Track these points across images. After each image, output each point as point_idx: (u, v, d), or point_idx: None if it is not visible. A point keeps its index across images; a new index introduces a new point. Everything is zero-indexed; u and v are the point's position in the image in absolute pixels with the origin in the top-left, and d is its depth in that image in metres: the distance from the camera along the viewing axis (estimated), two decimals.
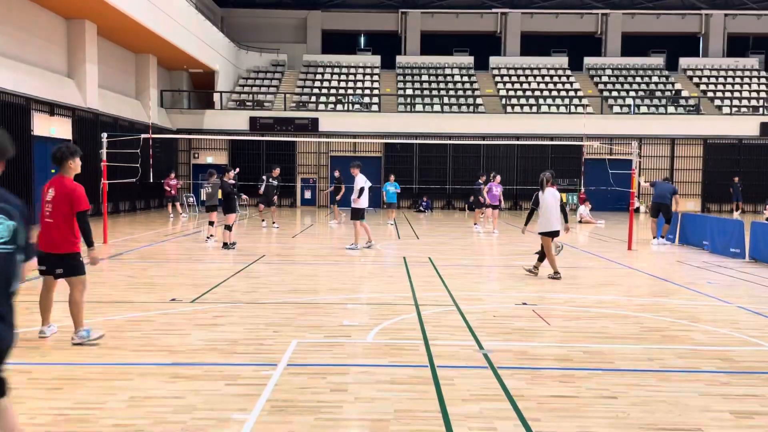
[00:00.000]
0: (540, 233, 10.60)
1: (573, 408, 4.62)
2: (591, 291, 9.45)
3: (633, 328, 7.07)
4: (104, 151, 15.00)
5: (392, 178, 21.99)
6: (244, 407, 4.51)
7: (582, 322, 7.32)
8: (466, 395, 4.83)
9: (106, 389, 4.85)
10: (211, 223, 15.10)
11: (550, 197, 10.55)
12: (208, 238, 14.88)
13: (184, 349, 5.94)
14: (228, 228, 13.89)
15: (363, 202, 14.08)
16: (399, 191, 22.14)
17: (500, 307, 8.14)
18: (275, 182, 19.20)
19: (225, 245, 13.71)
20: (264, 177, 19.21)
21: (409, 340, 6.38)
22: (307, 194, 31.89)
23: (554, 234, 10.52)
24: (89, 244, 6.24)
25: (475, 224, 19.62)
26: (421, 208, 29.69)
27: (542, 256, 10.71)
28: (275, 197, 19.49)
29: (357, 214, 14.08)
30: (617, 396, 4.87)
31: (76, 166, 6.25)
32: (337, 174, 22.16)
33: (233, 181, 14.85)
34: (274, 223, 19.36)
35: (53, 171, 21.07)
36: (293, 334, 6.55)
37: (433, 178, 31.05)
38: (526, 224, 11.20)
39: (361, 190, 14.06)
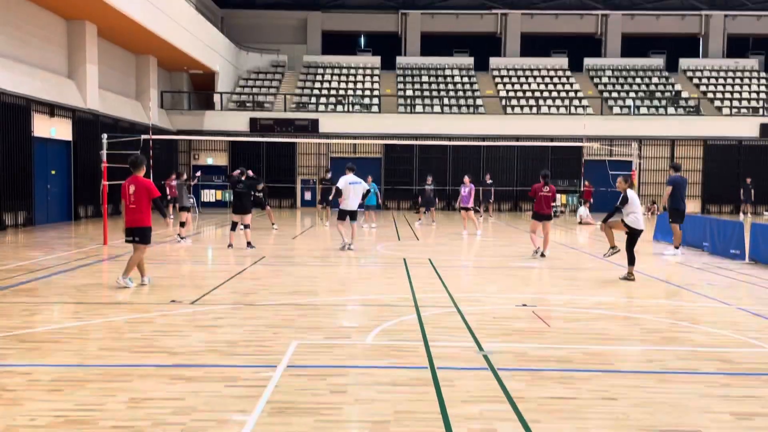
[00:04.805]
0: (633, 228, 10.50)
1: (573, 409, 4.62)
2: (591, 292, 9.45)
3: (633, 330, 7.08)
4: (104, 152, 14.99)
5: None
6: (243, 409, 4.51)
7: (582, 324, 7.32)
8: (466, 397, 4.83)
9: (105, 391, 4.84)
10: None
11: (636, 197, 10.77)
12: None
13: (184, 351, 5.94)
14: (246, 227, 14.22)
15: (345, 204, 14.11)
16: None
17: (500, 309, 8.14)
18: (260, 194, 19.32)
19: (248, 244, 14.01)
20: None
21: (408, 342, 6.37)
22: (308, 195, 31.88)
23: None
24: (164, 215, 10.00)
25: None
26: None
27: (632, 258, 10.46)
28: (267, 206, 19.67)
29: (338, 215, 14.32)
30: (617, 397, 4.87)
31: (144, 169, 9.29)
32: (328, 175, 22.24)
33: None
34: (273, 224, 19.40)
35: (53, 172, 21.03)
36: (293, 335, 6.55)
37: (434, 179, 30.97)
38: (605, 221, 10.86)
39: (337, 190, 14.29)
